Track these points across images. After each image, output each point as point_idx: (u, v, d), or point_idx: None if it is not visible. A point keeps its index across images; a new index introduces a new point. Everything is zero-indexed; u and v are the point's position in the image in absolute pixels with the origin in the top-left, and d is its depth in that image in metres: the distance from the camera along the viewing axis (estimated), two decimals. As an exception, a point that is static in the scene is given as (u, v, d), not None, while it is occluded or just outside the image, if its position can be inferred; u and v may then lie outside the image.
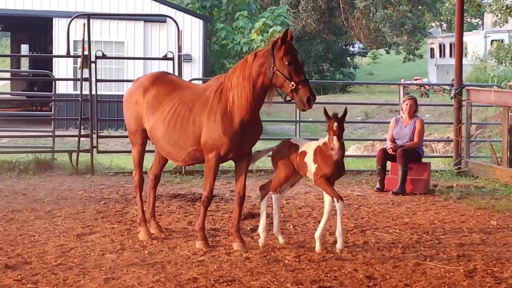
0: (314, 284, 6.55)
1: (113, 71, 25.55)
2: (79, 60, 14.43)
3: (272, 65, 7.24)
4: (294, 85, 7.20)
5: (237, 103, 7.36)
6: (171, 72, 13.24)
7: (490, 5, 33.69)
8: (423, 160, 13.14)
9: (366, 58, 60.44)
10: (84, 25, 14.89)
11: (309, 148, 8.23)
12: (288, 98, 7.41)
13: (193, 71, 26.04)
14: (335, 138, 7.65)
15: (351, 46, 56.86)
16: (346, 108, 7.73)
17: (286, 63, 7.20)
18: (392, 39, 49.08)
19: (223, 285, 6.43)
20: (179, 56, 14.81)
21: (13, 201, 10.30)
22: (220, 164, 7.81)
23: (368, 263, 7.59)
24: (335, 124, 7.66)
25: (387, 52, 55.58)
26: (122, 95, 9.51)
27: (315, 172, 8.03)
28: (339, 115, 7.55)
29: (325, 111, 7.86)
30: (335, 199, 7.64)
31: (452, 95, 14.99)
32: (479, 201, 11.48)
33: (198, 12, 31.68)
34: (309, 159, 8.15)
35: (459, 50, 15.10)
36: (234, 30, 33.14)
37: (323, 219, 8.15)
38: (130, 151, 10.18)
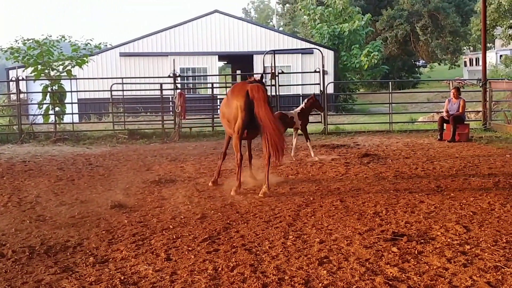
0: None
1: (285, 81, 24.06)
2: (269, 75, 15.99)
3: None
4: None
5: None
6: (318, 80, 15.62)
7: (499, 34, 35.84)
8: (465, 122, 13.40)
9: (426, 68, 59.67)
10: (270, 57, 16.83)
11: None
12: None
13: (328, 79, 23.69)
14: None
15: (417, 62, 56.38)
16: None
17: None
18: (441, 57, 51.12)
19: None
20: (323, 71, 15.95)
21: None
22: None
23: (436, 179, 7.82)
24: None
25: (439, 64, 56.47)
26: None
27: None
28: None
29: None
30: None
31: (480, 85, 15.54)
32: (498, 144, 11.81)
33: (331, 46, 32.54)
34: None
35: (484, 61, 15.74)
36: (351, 56, 33.93)
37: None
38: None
